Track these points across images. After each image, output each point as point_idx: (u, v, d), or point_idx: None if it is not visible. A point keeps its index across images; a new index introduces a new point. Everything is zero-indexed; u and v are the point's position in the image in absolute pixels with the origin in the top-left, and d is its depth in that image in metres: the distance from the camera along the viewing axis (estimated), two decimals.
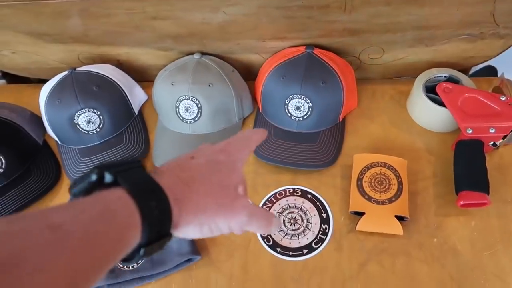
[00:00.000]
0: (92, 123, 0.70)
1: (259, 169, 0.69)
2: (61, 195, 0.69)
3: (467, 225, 0.60)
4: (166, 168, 0.31)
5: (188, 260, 0.60)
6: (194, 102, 0.68)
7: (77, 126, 0.70)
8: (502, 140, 0.63)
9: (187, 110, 0.69)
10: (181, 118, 0.70)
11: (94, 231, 0.24)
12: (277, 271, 0.59)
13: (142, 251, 0.28)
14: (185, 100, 0.68)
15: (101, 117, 0.70)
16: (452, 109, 0.65)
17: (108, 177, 0.28)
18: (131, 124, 0.74)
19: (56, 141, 0.74)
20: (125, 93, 0.73)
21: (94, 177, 0.28)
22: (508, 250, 0.58)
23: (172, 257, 0.59)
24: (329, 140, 0.69)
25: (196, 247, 0.60)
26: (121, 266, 0.59)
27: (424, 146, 0.69)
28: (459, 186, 0.60)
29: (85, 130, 0.70)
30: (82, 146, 0.71)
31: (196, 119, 0.69)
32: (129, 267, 0.59)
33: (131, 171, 0.29)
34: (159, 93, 0.72)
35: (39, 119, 0.75)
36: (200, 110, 0.68)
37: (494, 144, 0.63)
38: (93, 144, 0.71)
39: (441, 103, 0.66)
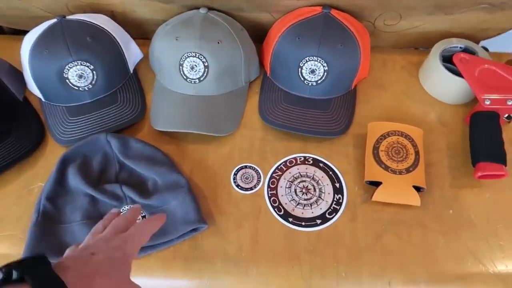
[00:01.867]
0: (84, 79, 0.63)
1: (267, 136, 0.65)
2: (46, 158, 0.62)
3: (482, 197, 0.59)
4: (70, 264, 0.34)
5: (194, 230, 0.55)
6: (201, 60, 0.62)
7: (67, 80, 0.62)
8: None
9: (192, 68, 0.63)
10: (184, 77, 0.64)
11: None
12: (289, 241, 0.56)
13: None
14: (191, 58, 0.62)
15: (94, 72, 0.63)
16: (470, 80, 0.63)
17: (15, 275, 0.29)
18: (126, 83, 0.67)
19: (40, 99, 0.66)
20: (121, 48, 0.66)
21: (0, 275, 0.29)
22: None
23: (176, 226, 0.54)
24: (341, 108, 0.65)
25: (202, 216, 0.56)
26: None
27: (437, 118, 0.67)
28: (476, 158, 0.59)
29: (75, 86, 0.63)
30: (71, 104, 0.64)
31: (202, 79, 0.64)
32: None
33: (37, 269, 0.30)
34: (161, 49, 0.65)
35: (19, 72, 0.67)
36: (206, 69, 0.63)
37: (509, 117, 0.62)
38: (84, 102, 0.64)
39: (456, 74, 0.64)
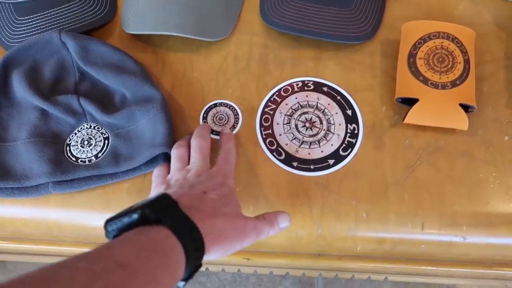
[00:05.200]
0: None
1: (270, 42, 0.51)
2: None
3: None
4: (190, 202, 0.34)
5: (167, 158, 0.43)
6: None
7: None
8: None
9: None
10: None
11: (154, 267, 0.28)
12: (297, 190, 0.43)
13: (182, 284, 0.32)
14: None
15: None
16: None
17: (151, 216, 0.31)
18: None
19: None
20: None
21: (136, 216, 0.30)
22: None
23: (143, 149, 0.42)
24: (368, 5, 0.50)
25: (175, 140, 0.43)
26: (74, 159, 0.42)
27: (493, 19, 0.51)
28: None
29: None
30: (18, 0, 0.50)
31: None
32: (84, 161, 0.42)
33: (169, 210, 0.32)
34: None
35: None
36: None
37: None
38: None
39: None
